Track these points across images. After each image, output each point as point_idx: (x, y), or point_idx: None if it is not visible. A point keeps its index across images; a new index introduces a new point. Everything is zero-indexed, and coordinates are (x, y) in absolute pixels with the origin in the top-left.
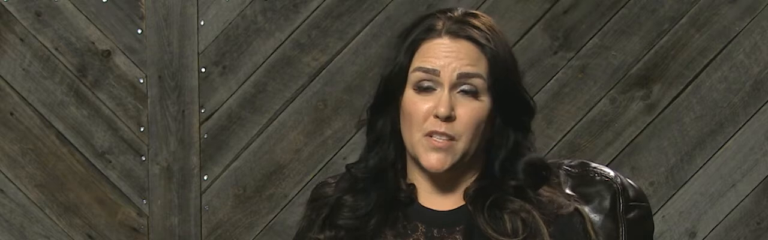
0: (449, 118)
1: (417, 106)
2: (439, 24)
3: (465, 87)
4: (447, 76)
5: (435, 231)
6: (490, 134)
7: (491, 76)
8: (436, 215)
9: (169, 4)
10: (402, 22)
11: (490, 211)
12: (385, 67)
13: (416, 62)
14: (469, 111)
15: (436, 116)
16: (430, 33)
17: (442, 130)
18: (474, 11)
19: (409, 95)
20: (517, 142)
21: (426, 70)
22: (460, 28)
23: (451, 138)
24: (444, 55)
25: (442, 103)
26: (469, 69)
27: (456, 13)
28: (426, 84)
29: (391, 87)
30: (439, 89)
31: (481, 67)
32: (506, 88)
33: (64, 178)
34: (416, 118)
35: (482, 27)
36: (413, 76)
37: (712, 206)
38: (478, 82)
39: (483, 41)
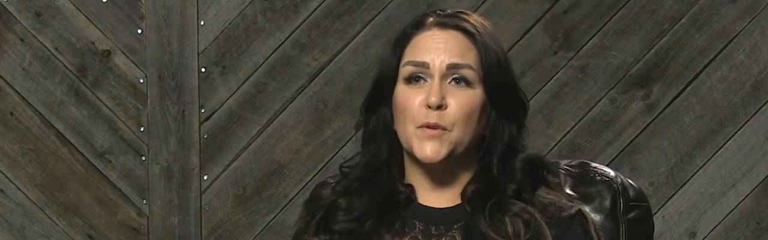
0: (440, 107)
1: (409, 98)
2: (430, 19)
3: (456, 77)
4: (436, 68)
5: (433, 228)
6: (485, 129)
7: (482, 66)
8: (434, 212)
9: (169, 4)
10: (402, 22)
11: (491, 214)
12: (380, 63)
13: (407, 56)
14: (461, 100)
15: (428, 106)
16: (419, 27)
17: (435, 121)
18: (465, 11)
19: (401, 89)
20: (512, 137)
21: (415, 64)
22: (449, 20)
23: (444, 128)
24: (434, 47)
25: (432, 93)
26: (458, 60)
27: (447, 11)
28: (417, 77)
29: (383, 83)
30: (429, 80)
31: (471, 58)
32: (498, 78)
33: (64, 178)
34: (409, 110)
35: (472, 21)
36: (404, 71)
37: (712, 206)
38: (469, 73)
39: (472, 31)
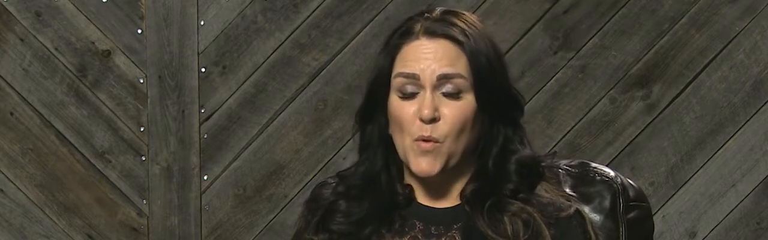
0: (434, 120)
1: (403, 110)
2: (417, 26)
3: (447, 87)
4: (427, 79)
5: (433, 228)
6: (480, 133)
7: (473, 73)
8: (434, 212)
9: (169, 4)
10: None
11: (489, 213)
12: (370, 73)
13: (397, 67)
14: (454, 110)
15: (422, 119)
16: (408, 36)
17: (428, 133)
18: (454, 9)
19: (394, 100)
20: (507, 138)
21: (406, 75)
22: (437, 28)
23: (437, 141)
24: (423, 57)
25: (424, 106)
26: (448, 70)
27: (434, 14)
28: (409, 88)
29: (376, 93)
30: (421, 92)
31: (461, 66)
32: (490, 85)
33: (64, 178)
34: (404, 122)
35: (460, 24)
36: (395, 82)
37: (712, 206)
38: (460, 82)
39: (461, 38)
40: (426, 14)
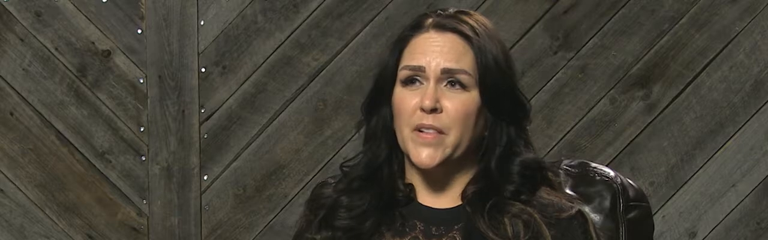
0: (435, 111)
1: (405, 101)
2: (428, 20)
3: (451, 81)
4: (432, 71)
5: (433, 229)
6: (483, 131)
7: (478, 70)
8: (435, 213)
9: (169, 4)
10: (402, 22)
11: (490, 215)
12: (378, 65)
13: (404, 60)
14: (456, 103)
15: (422, 109)
16: (418, 29)
17: (429, 122)
18: (467, 10)
19: (399, 91)
20: (510, 139)
21: (412, 68)
22: (448, 22)
23: (439, 131)
24: (430, 50)
25: (426, 96)
26: (452, 65)
27: (447, 11)
28: (413, 80)
29: (383, 84)
30: (425, 83)
31: (467, 62)
32: (493, 83)
33: (64, 178)
34: (405, 112)
35: (471, 22)
36: (401, 74)
37: (712, 206)
38: (464, 78)
39: (470, 34)
40: (439, 11)
